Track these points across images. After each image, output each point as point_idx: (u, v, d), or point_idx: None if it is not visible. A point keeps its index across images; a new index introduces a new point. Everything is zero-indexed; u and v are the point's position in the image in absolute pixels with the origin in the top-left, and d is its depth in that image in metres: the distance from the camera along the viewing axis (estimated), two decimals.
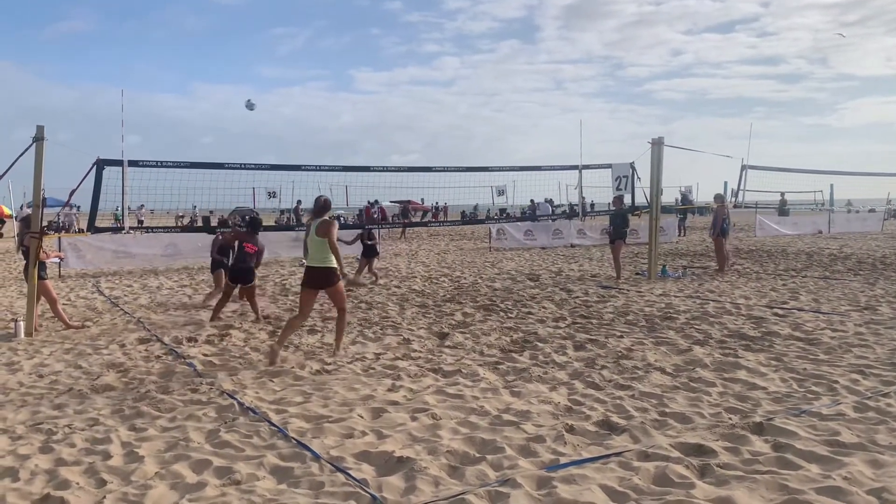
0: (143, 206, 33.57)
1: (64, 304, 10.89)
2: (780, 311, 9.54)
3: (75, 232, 26.85)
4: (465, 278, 14.23)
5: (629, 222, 14.84)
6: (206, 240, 18.08)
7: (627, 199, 14.56)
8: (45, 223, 8.98)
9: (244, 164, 10.54)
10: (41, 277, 8.75)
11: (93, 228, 9.88)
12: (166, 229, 15.58)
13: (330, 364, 6.89)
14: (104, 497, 3.83)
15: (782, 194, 29.16)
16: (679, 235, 27.85)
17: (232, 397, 5.73)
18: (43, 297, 8.89)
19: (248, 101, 14.84)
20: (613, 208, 14.48)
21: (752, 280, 13.31)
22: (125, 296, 12.26)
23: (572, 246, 23.40)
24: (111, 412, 5.40)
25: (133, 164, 9.53)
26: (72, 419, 5.23)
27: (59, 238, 14.70)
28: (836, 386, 5.73)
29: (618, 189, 14.52)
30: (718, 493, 3.72)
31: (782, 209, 30.39)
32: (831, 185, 34.24)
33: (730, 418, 4.98)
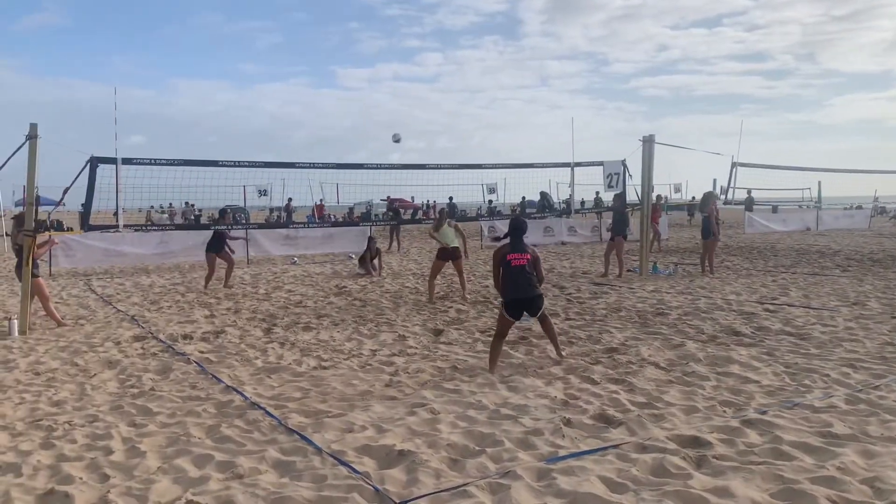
0: (171, 203, 33.66)
1: (56, 302, 10.87)
2: (770, 307, 9.64)
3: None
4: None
5: (629, 220, 14.85)
6: (197, 238, 18.05)
7: (607, 197, 14.60)
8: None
9: (238, 162, 10.55)
10: (34, 275, 8.73)
11: (86, 227, 9.87)
12: (160, 227, 15.50)
13: (326, 361, 6.93)
14: (108, 491, 3.85)
15: (748, 191, 29.20)
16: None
17: (236, 391, 5.77)
18: (35, 295, 8.88)
19: (395, 135, 16.49)
20: (615, 205, 14.53)
21: (742, 276, 13.42)
22: (117, 294, 12.24)
23: (563, 243, 23.50)
24: (110, 409, 5.42)
25: (127, 161, 9.52)
26: (71, 416, 5.24)
27: (51, 236, 14.59)
28: (828, 379, 5.82)
29: (609, 186, 14.61)
30: (715, 483, 3.79)
31: (749, 206, 30.41)
32: (819, 183, 34.42)
33: (724, 411, 5.06)
